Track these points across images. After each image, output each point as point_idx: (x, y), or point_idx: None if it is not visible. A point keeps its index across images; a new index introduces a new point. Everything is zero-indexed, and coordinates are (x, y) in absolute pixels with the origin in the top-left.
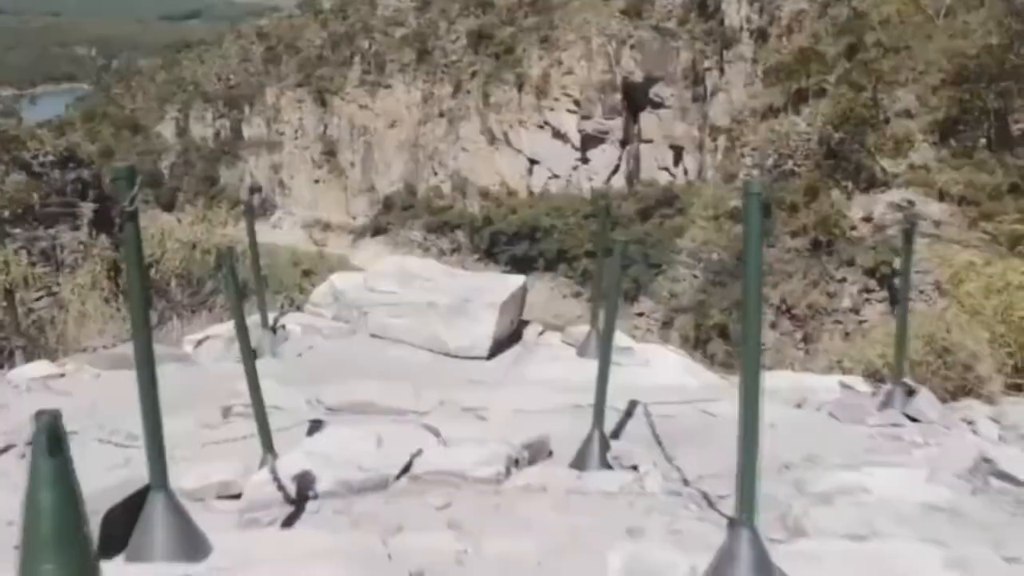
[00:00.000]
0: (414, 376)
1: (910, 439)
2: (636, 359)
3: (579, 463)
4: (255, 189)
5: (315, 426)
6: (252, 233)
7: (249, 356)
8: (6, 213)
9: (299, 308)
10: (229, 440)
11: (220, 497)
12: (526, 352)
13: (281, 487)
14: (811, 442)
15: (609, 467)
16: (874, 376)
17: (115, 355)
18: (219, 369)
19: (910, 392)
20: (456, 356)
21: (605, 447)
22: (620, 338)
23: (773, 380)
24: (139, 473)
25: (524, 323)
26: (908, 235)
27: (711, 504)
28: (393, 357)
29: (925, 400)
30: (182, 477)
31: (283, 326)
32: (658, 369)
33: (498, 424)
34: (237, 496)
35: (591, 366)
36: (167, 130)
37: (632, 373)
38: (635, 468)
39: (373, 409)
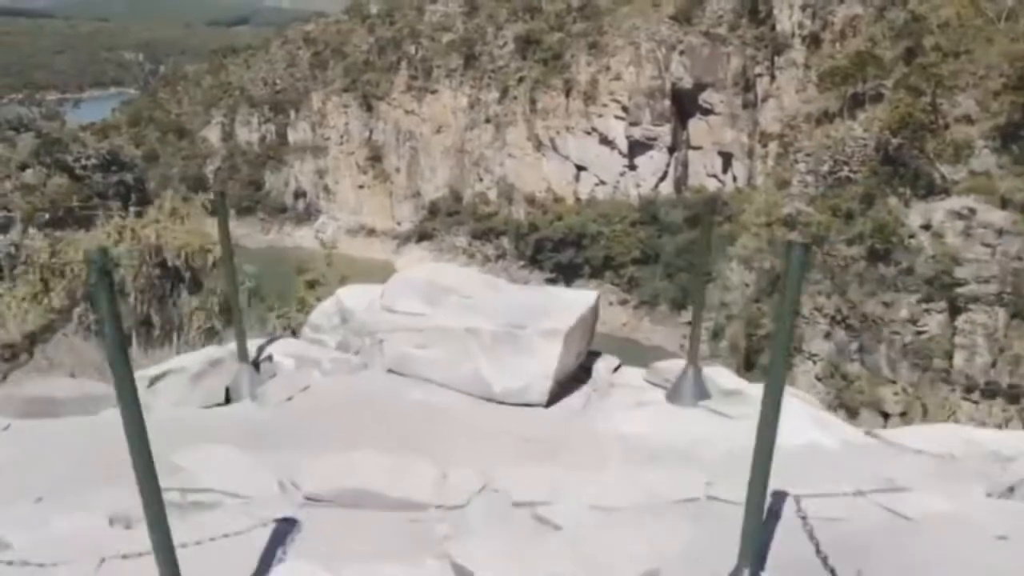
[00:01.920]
0: (444, 432)
1: None
2: (747, 406)
3: None
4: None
5: (281, 530)
6: (226, 236)
7: (138, 432)
8: (46, 216)
9: (294, 333)
10: (143, 554)
11: None
12: (598, 396)
13: None
14: None
15: None
16: None
17: (32, 398)
18: (173, 420)
19: None
20: (503, 402)
21: None
22: (720, 375)
23: (929, 437)
24: None
25: (594, 354)
26: None
27: None
28: (416, 403)
29: None
30: None
31: (269, 358)
32: (779, 422)
33: (571, 539)
34: None
35: (690, 418)
36: (213, 134)
37: (746, 430)
38: None
39: (375, 502)
